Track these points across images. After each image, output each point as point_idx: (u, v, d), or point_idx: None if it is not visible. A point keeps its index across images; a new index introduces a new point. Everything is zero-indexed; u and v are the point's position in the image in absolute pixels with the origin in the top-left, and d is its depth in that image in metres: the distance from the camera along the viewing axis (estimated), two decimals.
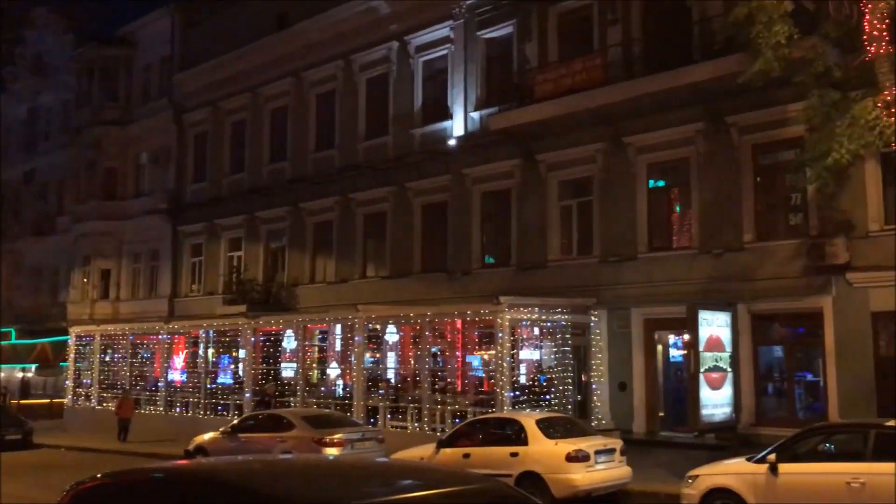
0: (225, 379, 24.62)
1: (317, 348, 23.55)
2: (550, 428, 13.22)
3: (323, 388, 22.29)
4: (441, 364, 19.85)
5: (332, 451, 14.95)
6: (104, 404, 27.07)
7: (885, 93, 13.28)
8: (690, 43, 18.65)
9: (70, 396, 28.95)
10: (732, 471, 11.09)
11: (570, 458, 12.39)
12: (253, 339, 23.04)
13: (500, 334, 17.52)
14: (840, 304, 16.56)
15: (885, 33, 13.50)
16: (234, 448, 15.97)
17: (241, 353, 23.52)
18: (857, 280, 16.33)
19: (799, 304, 17.19)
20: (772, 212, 18.35)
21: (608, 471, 12.88)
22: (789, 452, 10.60)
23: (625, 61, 19.70)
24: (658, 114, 18.95)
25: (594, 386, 19.57)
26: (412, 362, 20.34)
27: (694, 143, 18.88)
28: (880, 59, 13.52)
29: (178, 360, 26.14)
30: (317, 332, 23.50)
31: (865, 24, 13.67)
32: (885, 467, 9.65)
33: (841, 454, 10.71)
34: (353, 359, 20.64)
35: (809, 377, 17.81)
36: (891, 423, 10.55)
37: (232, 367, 24.62)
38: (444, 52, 24.15)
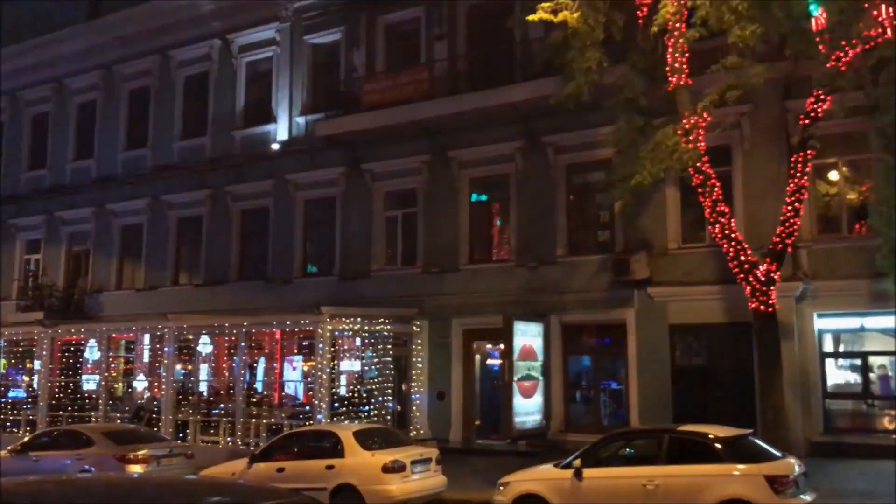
0: (17, 392, 22.66)
1: (122, 359, 22.20)
2: (368, 439, 13.14)
3: (127, 403, 20.99)
4: (257, 376, 19.24)
5: (135, 469, 14.05)
6: None
7: (684, 121, 14.42)
8: (513, 63, 19.38)
9: None
10: (540, 477, 11.48)
11: (387, 469, 12.36)
12: (50, 349, 21.32)
13: (321, 345, 17.27)
14: (641, 316, 17.73)
15: (684, 66, 14.70)
16: (24, 468, 14.57)
17: (37, 365, 21.75)
18: (657, 294, 17.56)
19: (605, 315, 18.24)
20: (582, 228, 19.37)
21: (424, 480, 12.97)
22: (593, 458, 11.10)
23: (450, 76, 20.14)
24: (481, 130, 19.51)
25: (414, 396, 19.76)
26: (226, 374, 19.60)
27: (513, 161, 19.58)
28: (680, 89, 14.69)
29: None
30: (123, 342, 22.17)
31: (668, 56, 14.78)
32: (677, 469, 10.37)
33: (639, 458, 11.30)
34: (162, 371, 19.60)
35: (614, 385, 18.89)
36: (682, 427, 11.36)
37: (25, 379, 22.74)
38: (270, 53, 23.61)
